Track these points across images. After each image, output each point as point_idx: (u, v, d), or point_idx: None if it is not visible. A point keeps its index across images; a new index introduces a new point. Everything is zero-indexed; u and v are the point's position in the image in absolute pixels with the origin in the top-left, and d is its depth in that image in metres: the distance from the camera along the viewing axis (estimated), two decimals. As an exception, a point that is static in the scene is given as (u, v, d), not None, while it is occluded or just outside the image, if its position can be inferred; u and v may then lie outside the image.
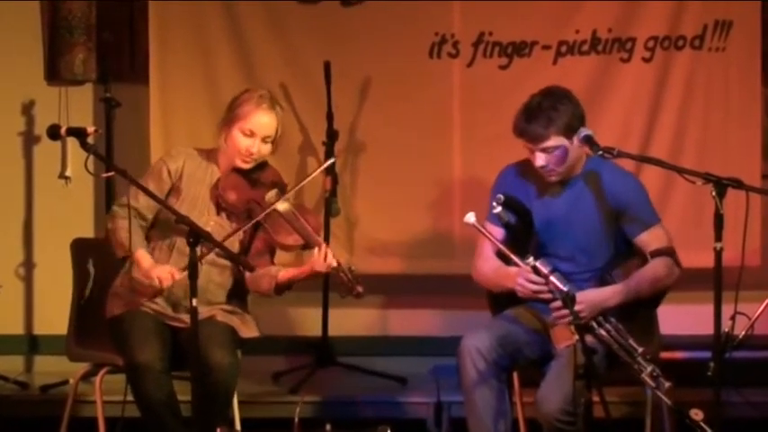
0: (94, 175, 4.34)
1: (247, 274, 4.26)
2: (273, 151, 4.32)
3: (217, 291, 4.28)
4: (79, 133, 3.99)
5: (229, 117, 4.27)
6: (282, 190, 4.31)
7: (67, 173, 5.86)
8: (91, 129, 4.03)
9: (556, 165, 4.05)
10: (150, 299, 4.20)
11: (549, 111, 4.00)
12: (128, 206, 4.15)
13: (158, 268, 4.15)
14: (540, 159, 4.04)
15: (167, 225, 4.21)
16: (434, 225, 5.69)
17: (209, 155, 4.37)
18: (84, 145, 3.97)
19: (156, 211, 4.27)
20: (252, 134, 4.23)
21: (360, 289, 4.15)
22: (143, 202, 4.22)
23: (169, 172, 4.29)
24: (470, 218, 3.95)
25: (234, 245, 4.25)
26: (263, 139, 4.25)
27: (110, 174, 4.18)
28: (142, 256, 4.20)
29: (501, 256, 4.10)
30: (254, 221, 4.22)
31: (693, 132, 5.58)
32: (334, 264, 4.15)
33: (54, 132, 4.03)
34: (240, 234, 4.26)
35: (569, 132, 4.00)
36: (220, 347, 4.10)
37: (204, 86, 5.64)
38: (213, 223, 4.26)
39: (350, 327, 5.79)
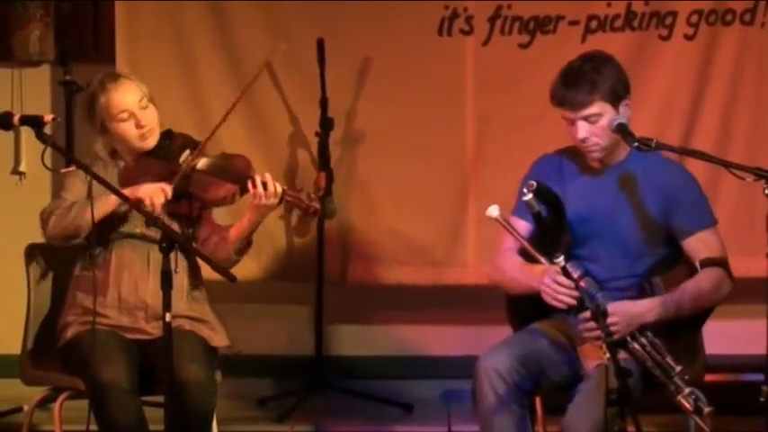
0: (53, 170, 4.34)
1: (199, 245, 4.30)
2: (157, 108, 4.36)
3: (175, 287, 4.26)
4: (35, 122, 3.98)
5: (98, 122, 4.33)
6: (195, 147, 4.34)
7: (21, 168, 5.88)
8: (48, 117, 4.02)
9: (599, 137, 4.07)
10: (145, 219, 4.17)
11: (592, 74, 4.04)
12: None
13: (143, 188, 4.17)
14: (582, 130, 4.05)
15: (100, 229, 4.21)
16: (444, 228, 5.69)
17: (113, 155, 4.41)
18: (40, 135, 3.96)
19: None
20: (128, 113, 4.30)
21: (316, 205, 4.25)
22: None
23: (81, 177, 4.28)
24: (493, 211, 3.94)
25: (172, 225, 4.23)
26: (140, 107, 4.31)
27: (70, 169, 4.20)
28: (111, 196, 4.13)
29: (525, 256, 4.10)
30: (173, 185, 4.21)
31: (743, 121, 5.59)
32: (279, 190, 4.21)
33: (6, 121, 4.04)
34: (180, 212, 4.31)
35: (614, 100, 4.04)
36: (192, 361, 4.11)
37: (178, 67, 5.65)
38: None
39: (347, 345, 5.80)
